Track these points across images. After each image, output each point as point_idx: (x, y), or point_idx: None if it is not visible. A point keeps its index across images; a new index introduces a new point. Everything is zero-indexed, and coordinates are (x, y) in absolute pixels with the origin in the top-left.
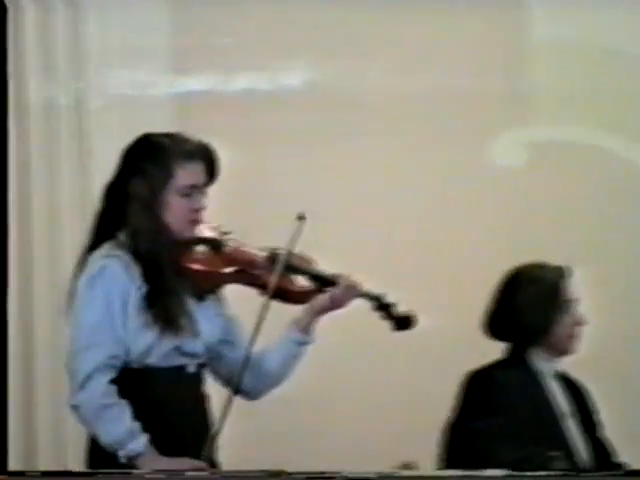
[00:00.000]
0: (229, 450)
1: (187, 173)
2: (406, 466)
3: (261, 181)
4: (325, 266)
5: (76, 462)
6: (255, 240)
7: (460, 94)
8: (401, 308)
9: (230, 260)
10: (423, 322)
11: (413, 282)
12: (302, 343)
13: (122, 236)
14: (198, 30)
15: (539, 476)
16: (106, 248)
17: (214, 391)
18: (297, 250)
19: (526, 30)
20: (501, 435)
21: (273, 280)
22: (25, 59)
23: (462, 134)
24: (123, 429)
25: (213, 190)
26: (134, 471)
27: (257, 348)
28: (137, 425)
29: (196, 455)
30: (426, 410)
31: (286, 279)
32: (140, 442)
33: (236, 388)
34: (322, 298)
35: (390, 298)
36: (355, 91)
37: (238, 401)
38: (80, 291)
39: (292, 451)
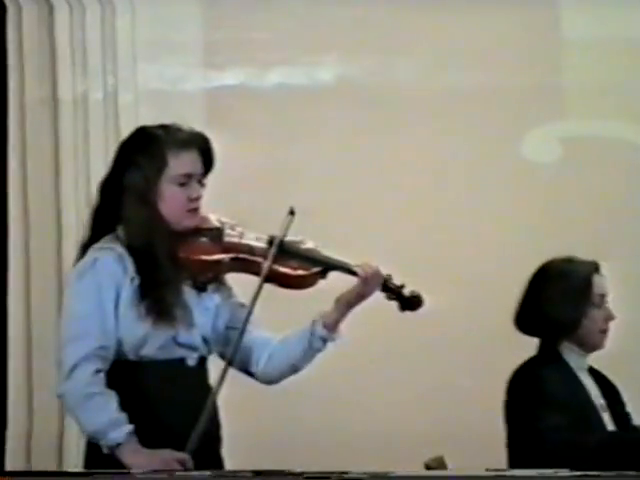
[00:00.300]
0: (244, 447)
1: (181, 162)
2: (434, 461)
3: (292, 175)
4: (358, 260)
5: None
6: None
7: (492, 90)
8: (408, 289)
9: (227, 248)
10: (453, 319)
11: (446, 278)
12: (326, 340)
13: (120, 229)
14: (230, 24)
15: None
16: (102, 242)
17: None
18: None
19: (558, 26)
20: (563, 430)
21: (265, 264)
22: (57, 55)
23: (494, 130)
24: (106, 418)
25: (245, 183)
26: (134, 471)
27: (281, 335)
28: (121, 415)
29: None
30: (452, 407)
31: (283, 263)
32: (122, 432)
33: (229, 362)
34: (347, 292)
35: (398, 280)
36: (388, 86)
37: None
38: (70, 282)
39: (314, 449)
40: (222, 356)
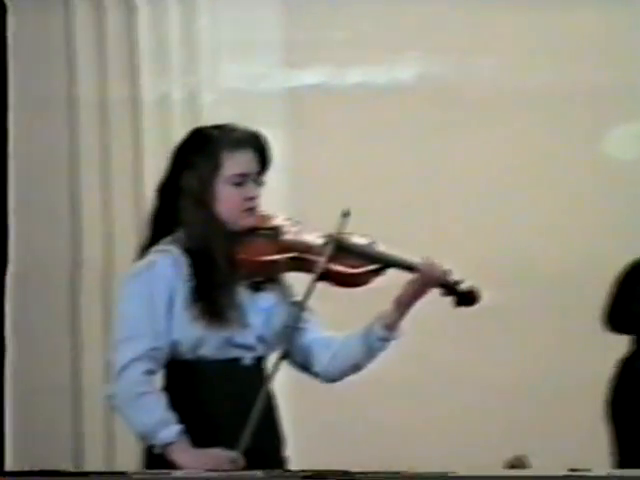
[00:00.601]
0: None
1: (236, 162)
2: (516, 460)
3: (371, 173)
4: (445, 257)
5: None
6: (377, 231)
7: (573, 88)
8: (465, 284)
9: (284, 248)
10: (533, 319)
11: (526, 275)
12: (386, 340)
13: (178, 232)
14: (310, 24)
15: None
16: (160, 244)
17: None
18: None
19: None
20: None
21: (321, 261)
22: (139, 55)
23: (575, 128)
24: (156, 418)
25: (324, 181)
26: (133, 471)
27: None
28: (171, 415)
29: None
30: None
31: (340, 261)
32: (172, 431)
33: (283, 355)
34: (406, 291)
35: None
36: (468, 85)
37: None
38: (124, 284)
39: (390, 449)
40: (284, 354)
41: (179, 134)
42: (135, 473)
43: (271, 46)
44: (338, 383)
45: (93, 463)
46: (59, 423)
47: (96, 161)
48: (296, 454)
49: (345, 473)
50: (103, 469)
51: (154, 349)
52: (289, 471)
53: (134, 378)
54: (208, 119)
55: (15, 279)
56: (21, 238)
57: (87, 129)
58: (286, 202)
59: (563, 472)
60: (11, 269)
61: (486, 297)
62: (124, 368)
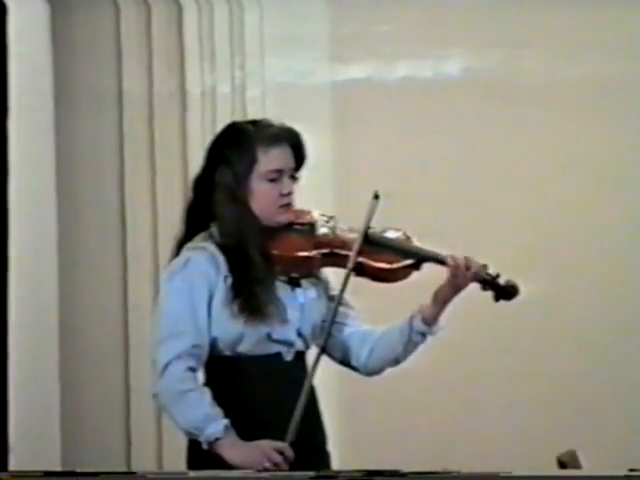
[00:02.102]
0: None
1: (270, 158)
2: (566, 456)
3: (417, 168)
4: (488, 251)
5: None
6: (421, 225)
7: (617, 82)
8: (503, 278)
9: (320, 243)
10: (578, 312)
11: (574, 271)
12: (425, 334)
13: (213, 227)
14: (357, 18)
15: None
16: (196, 240)
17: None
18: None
19: None
20: None
21: (352, 255)
22: (186, 49)
23: (620, 121)
24: (201, 414)
25: (370, 175)
26: (146, 471)
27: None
28: (217, 410)
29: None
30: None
31: (374, 257)
32: (219, 426)
33: (322, 348)
34: (443, 286)
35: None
36: (514, 79)
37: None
38: (163, 282)
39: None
40: (323, 349)
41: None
42: (148, 473)
43: (317, 40)
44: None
45: (142, 463)
46: (109, 423)
47: (142, 155)
48: (340, 453)
49: (395, 473)
50: (153, 469)
51: (195, 346)
52: (339, 471)
53: (177, 376)
54: (253, 113)
55: (64, 275)
56: (67, 233)
57: (134, 123)
58: (331, 197)
59: (623, 472)
60: (60, 265)
61: (530, 291)
62: (167, 366)
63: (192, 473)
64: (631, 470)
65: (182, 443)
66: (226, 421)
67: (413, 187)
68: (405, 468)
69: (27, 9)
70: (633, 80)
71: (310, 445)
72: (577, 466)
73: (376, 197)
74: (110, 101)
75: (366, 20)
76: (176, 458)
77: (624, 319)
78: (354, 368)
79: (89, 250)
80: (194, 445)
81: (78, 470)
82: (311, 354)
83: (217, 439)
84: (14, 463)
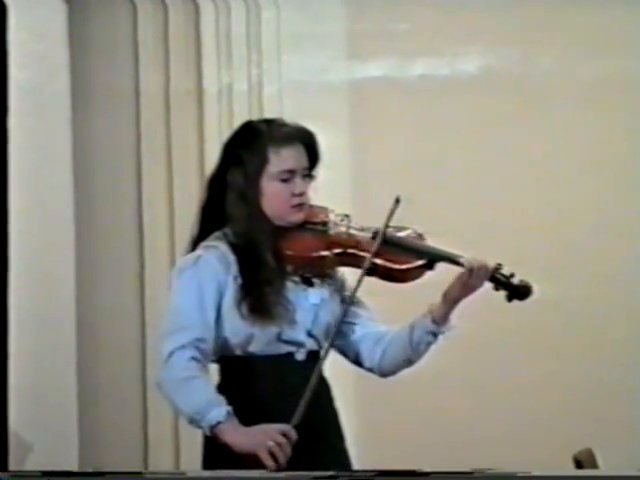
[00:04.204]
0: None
1: (282, 158)
2: (582, 454)
3: (434, 166)
4: (504, 249)
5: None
6: (437, 223)
7: (636, 79)
8: (517, 278)
9: (333, 243)
10: (593, 312)
11: (592, 271)
12: (435, 333)
13: (227, 227)
14: (373, 16)
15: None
16: (209, 239)
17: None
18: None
19: None
20: None
21: (368, 257)
22: (203, 46)
23: (637, 121)
24: (204, 399)
25: (387, 173)
26: (149, 471)
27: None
28: (219, 397)
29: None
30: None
31: (387, 256)
32: (221, 411)
33: (330, 345)
34: (454, 286)
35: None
36: (532, 77)
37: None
38: (173, 279)
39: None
40: (338, 349)
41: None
42: (150, 473)
43: (334, 38)
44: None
45: (159, 462)
46: (126, 422)
47: (159, 153)
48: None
49: (413, 472)
50: (170, 469)
51: (201, 340)
52: (358, 471)
53: (181, 364)
54: (270, 111)
55: (81, 273)
56: (84, 231)
57: (151, 121)
58: (346, 195)
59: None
60: (77, 263)
61: (542, 290)
62: (171, 355)
63: (190, 473)
64: None
65: (199, 441)
66: (229, 407)
67: (430, 185)
68: (417, 467)
69: (45, 8)
70: None
71: (315, 428)
72: (593, 465)
73: (397, 201)
74: (127, 99)
75: (383, 18)
76: (193, 457)
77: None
78: (368, 369)
79: (106, 248)
80: (210, 443)
81: (91, 470)
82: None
83: (219, 422)
84: (29, 462)
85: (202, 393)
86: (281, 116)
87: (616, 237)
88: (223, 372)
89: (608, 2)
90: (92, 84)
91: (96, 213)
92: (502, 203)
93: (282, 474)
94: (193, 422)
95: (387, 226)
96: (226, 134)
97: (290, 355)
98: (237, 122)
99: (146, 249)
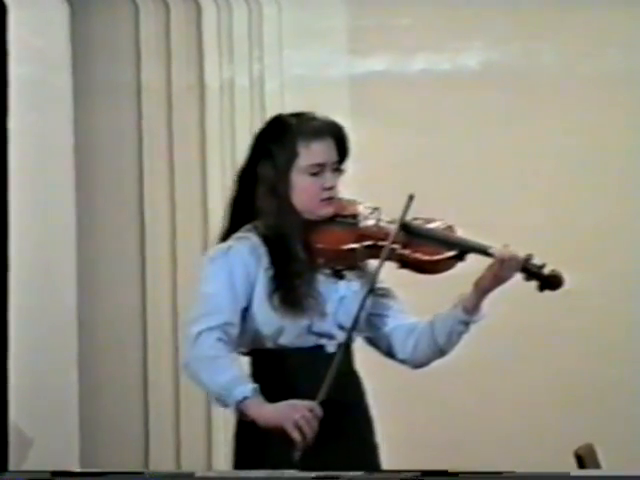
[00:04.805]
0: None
1: (312, 152)
2: (582, 449)
3: (436, 161)
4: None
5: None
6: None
7: (636, 76)
8: (548, 268)
9: (363, 235)
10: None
11: (588, 266)
12: (467, 323)
13: (258, 220)
14: (375, 11)
15: None
16: (240, 231)
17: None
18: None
19: None
20: None
21: (387, 246)
22: (204, 42)
23: (637, 118)
24: (230, 376)
25: (389, 169)
26: (151, 472)
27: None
28: (245, 375)
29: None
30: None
31: (417, 248)
32: (247, 388)
33: (349, 335)
34: (485, 276)
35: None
36: (533, 72)
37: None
38: (202, 267)
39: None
40: (371, 342)
41: (243, 121)
42: (152, 473)
43: (335, 33)
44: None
45: (160, 462)
46: (127, 422)
47: (161, 149)
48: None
49: (444, 472)
50: (171, 468)
51: (228, 324)
52: (340, 473)
53: (208, 343)
54: (272, 106)
55: (82, 273)
56: (85, 229)
57: (152, 117)
58: (349, 189)
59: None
60: (78, 263)
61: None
62: (198, 335)
63: (199, 473)
64: None
65: (200, 441)
66: (255, 385)
67: (431, 180)
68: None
69: (47, 4)
70: None
71: (341, 404)
72: (595, 460)
73: (410, 198)
74: (129, 95)
75: (384, 13)
76: (194, 456)
77: None
78: (401, 361)
79: (107, 246)
80: (241, 429)
81: (93, 470)
82: (358, 345)
83: (245, 398)
84: (30, 462)
85: (229, 370)
86: (283, 111)
87: (617, 230)
88: (254, 365)
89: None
90: (94, 80)
91: (97, 210)
92: (501, 197)
93: (284, 474)
94: (219, 399)
95: (404, 216)
96: (228, 129)
97: (321, 347)
98: (239, 117)
99: (147, 246)
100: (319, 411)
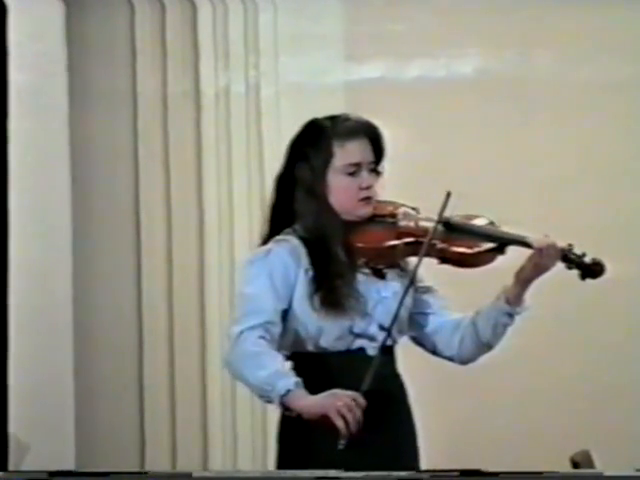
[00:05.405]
0: None
1: (347, 151)
2: (579, 456)
3: (431, 168)
4: None
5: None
6: None
7: (632, 82)
8: (589, 257)
9: (402, 233)
10: None
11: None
12: (511, 314)
13: (297, 224)
14: (371, 17)
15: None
16: (279, 235)
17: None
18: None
19: None
20: None
21: (426, 241)
22: (200, 48)
23: (631, 124)
24: (273, 370)
25: (388, 174)
26: (154, 472)
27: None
28: (288, 369)
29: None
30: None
31: (456, 243)
32: (291, 380)
33: (387, 333)
34: (525, 266)
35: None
36: (529, 79)
37: None
38: (243, 270)
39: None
40: (416, 341)
41: (239, 128)
42: (156, 473)
43: (331, 40)
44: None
45: (156, 463)
46: (123, 423)
47: (157, 154)
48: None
49: (476, 472)
50: (166, 469)
51: (269, 322)
52: (341, 473)
53: (250, 340)
54: (268, 113)
55: (78, 275)
56: (81, 233)
57: (148, 123)
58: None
59: (630, 472)
60: (74, 265)
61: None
62: (240, 334)
63: (198, 473)
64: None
65: (195, 442)
66: (298, 379)
67: (426, 186)
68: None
69: (42, 8)
70: None
71: (384, 395)
72: (590, 466)
73: (448, 195)
74: (124, 101)
75: (380, 19)
76: (189, 457)
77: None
78: (449, 358)
79: (103, 249)
80: (285, 425)
81: (91, 470)
82: (403, 346)
83: (289, 391)
84: (26, 463)
85: (271, 365)
86: (278, 118)
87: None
88: (296, 368)
89: (606, 4)
90: (89, 85)
91: (93, 214)
92: (498, 205)
93: (285, 474)
94: (263, 394)
95: (441, 215)
96: (223, 135)
97: (362, 350)
98: (234, 124)
99: (143, 250)
100: (362, 401)
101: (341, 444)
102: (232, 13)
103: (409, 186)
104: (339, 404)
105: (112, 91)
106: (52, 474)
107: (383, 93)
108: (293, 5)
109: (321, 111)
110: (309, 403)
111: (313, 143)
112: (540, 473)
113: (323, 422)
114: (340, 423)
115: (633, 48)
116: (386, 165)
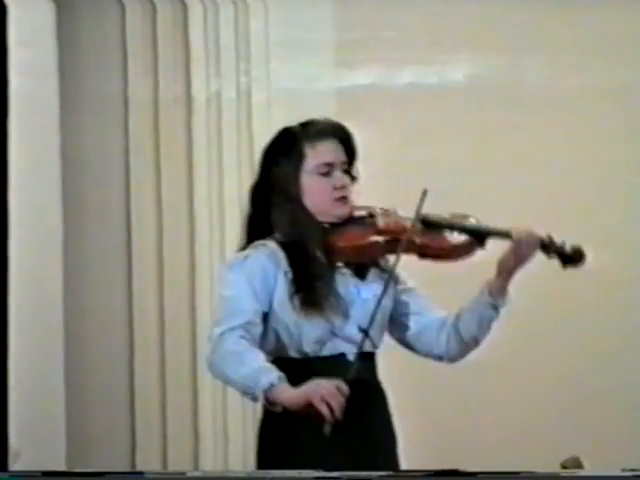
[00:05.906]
0: None
1: (318, 152)
2: (569, 462)
3: (422, 174)
4: None
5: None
6: None
7: (621, 90)
8: (568, 245)
9: (382, 231)
10: None
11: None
12: (495, 306)
13: (275, 233)
14: (361, 24)
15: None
16: (258, 241)
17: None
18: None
19: None
20: None
21: (405, 235)
22: (191, 54)
23: (623, 130)
24: (256, 367)
25: (374, 182)
26: (150, 471)
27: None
28: (271, 365)
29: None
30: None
31: (434, 237)
32: (273, 376)
33: (365, 334)
34: (506, 257)
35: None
36: (519, 85)
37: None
38: (223, 275)
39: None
40: (403, 343)
41: (230, 134)
42: (152, 473)
43: (322, 46)
44: None
45: (147, 465)
46: (114, 426)
47: (148, 159)
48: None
49: (453, 472)
50: (157, 469)
51: (249, 323)
52: (341, 473)
53: (231, 340)
54: (259, 119)
55: (69, 279)
56: (72, 238)
57: (139, 128)
58: None
59: (616, 472)
60: (65, 269)
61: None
62: (221, 335)
63: (193, 473)
64: (624, 470)
65: (186, 444)
66: (281, 373)
67: (417, 192)
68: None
69: (33, 11)
70: (633, 85)
71: (366, 383)
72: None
73: (424, 193)
74: (115, 106)
75: (371, 26)
76: (181, 459)
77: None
78: (437, 357)
79: (94, 254)
80: (266, 422)
81: (84, 470)
82: (386, 348)
83: (272, 385)
84: (19, 465)
85: (253, 362)
86: (270, 124)
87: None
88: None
89: (597, 10)
90: (81, 89)
91: (84, 219)
92: (491, 210)
93: (284, 474)
94: (247, 391)
95: (418, 212)
96: (214, 141)
97: (343, 356)
98: (226, 130)
99: (134, 255)
100: (345, 388)
101: (327, 430)
102: (223, 19)
103: (399, 191)
104: (323, 391)
105: (103, 95)
106: (46, 474)
107: (374, 99)
108: (284, 11)
109: (312, 117)
110: (293, 394)
111: (284, 147)
112: (518, 473)
113: (308, 411)
114: (324, 409)
115: (625, 53)
116: (376, 170)
